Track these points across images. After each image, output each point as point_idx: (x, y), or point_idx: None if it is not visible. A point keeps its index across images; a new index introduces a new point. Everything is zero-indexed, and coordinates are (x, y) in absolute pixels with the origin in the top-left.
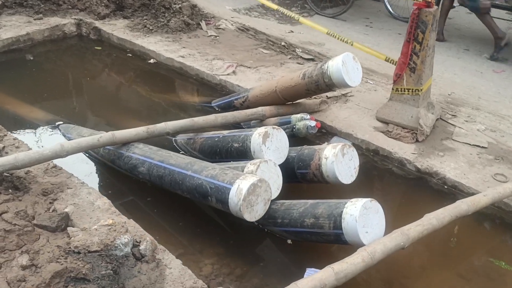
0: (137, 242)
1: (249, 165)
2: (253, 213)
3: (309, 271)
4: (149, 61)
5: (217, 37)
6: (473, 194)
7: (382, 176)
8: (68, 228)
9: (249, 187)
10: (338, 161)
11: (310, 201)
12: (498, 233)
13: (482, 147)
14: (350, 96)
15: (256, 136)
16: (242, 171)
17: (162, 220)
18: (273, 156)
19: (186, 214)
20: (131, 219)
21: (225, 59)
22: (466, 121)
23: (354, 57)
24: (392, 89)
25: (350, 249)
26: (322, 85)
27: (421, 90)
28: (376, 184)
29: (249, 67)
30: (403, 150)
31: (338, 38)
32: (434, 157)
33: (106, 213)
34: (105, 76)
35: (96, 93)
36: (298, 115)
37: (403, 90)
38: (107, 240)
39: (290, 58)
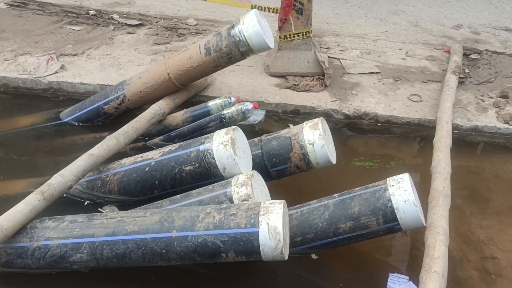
0: None
1: (236, 189)
2: (288, 248)
3: (392, 277)
4: None
5: None
6: (408, 122)
7: None
8: None
9: (283, 221)
10: (326, 142)
11: (329, 202)
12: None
13: (376, 72)
14: None
15: (220, 147)
16: (230, 201)
17: None
18: (245, 164)
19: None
20: None
21: (33, 53)
22: (342, 51)
23: (259, 13)
24: (280, 37)
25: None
26: (237, 55)
27: (311, 31)
28: None
29: (75, 55)
30: (323, 100)
31: None
32: (352, 98)
33: None
34: None
35: None
36: (218, 101)
37: (292, 35)
38: None
39: (114, 29)
